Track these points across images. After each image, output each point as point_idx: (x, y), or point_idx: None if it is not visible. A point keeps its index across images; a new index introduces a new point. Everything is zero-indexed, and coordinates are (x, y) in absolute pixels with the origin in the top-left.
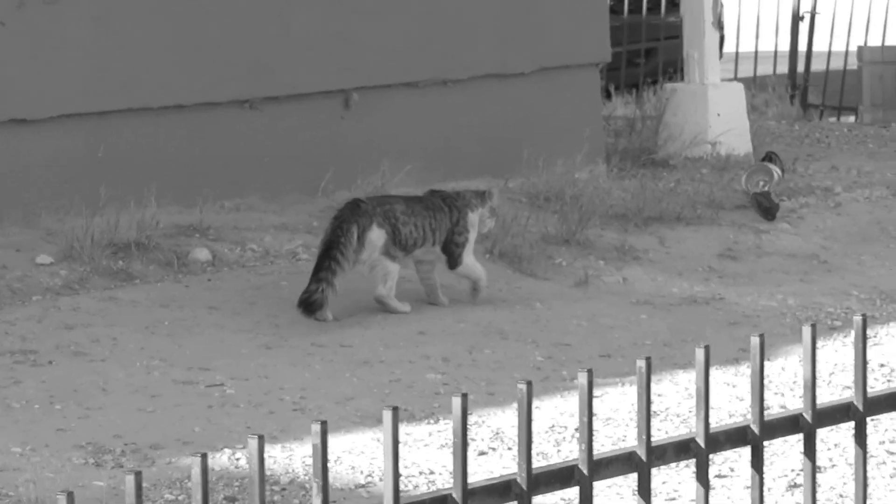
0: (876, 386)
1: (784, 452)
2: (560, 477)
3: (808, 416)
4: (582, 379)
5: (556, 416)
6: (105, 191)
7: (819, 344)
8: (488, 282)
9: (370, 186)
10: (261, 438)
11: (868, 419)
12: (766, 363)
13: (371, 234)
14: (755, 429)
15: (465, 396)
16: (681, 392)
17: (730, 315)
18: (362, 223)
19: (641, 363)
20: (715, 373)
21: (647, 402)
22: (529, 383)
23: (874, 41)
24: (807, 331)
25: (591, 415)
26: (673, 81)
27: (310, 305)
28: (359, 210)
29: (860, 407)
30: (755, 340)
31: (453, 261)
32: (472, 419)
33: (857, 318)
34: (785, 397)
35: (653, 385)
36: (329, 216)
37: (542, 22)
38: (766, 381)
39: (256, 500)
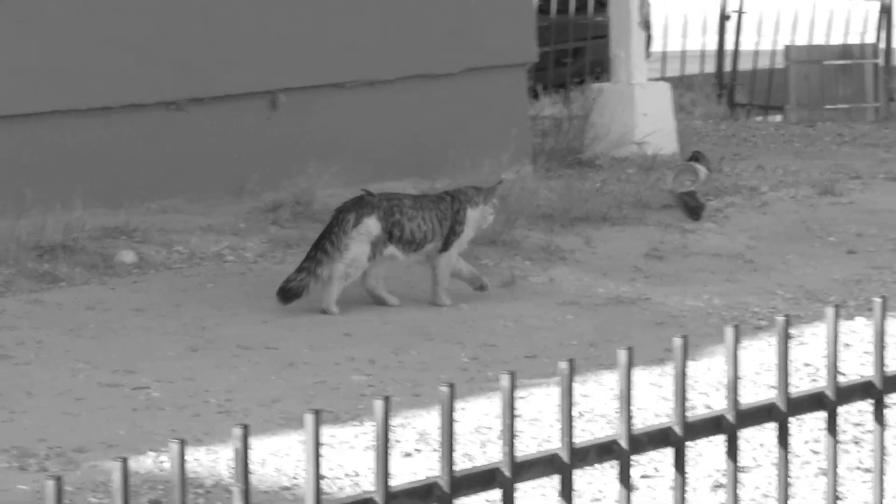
0: (801, 385)
1: (710, 452)
2: (482, 479)
3: (730, 418)
4: (504, 381)
5: (482, 417)
6: (31, 193)
7: (745, 344)
8: (415, 283)
9: (296, 188)
10: (182, 443)
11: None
12: (692, 363)
13: (367, 220)
14: (678, 430)
15: (387, 399)
16: (606, 392)
17: (656, 315)
18: (361, 212)
19: (564, 365)
20: (641, 373)
21: (570, 404)
22: (451, 386)
23: (801, 40)
24: (729, 332)
25: (512, 417)
26: (600, 81)
27: (287, 293)
28: (362, 202)
29: (783, 408)
30: (678, 342)
31: (443, 249)
32: (397, 421)
33: (780, 319)
34: (710, 397)
35: (578, 386)
36: (255, 218)
37: (469, 23)
38: (691, 382)
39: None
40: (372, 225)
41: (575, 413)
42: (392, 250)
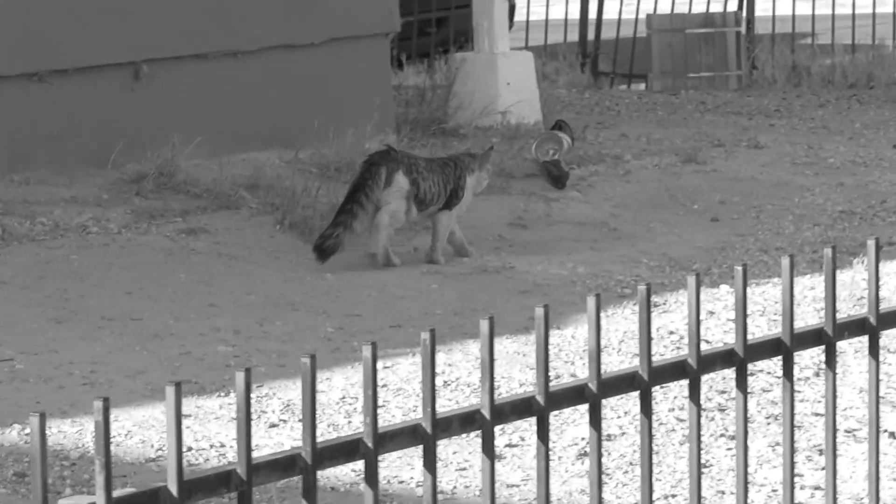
0: (665, 354)
1: (575, 421)
2: (345, 451)
3: (593, 387)
4: (366, 352)
5: (348, 387)
6: None
7: (609, 312)
8: (280, 254)
9: (160, 159)
10: (42, 416)
11: (656, 388)
12: (557, 332)
13: (398, 177)
14: (540, 400)
15: (248, 371)
16: (472, 362)
17: (520, 284)
18: (391, 166)
19: (426, 335)
20: (506, 342)
21: (432, 374)
22: (313, 357)
23: (664, 9)
24: (591, 301)
25: (375, 388)
26: (464, 51)
27: (323, 251)
28: (388, 156)
29: (645, 377)
30: (539, 312)
31: (445, 209)
32: (262, 391)
33: (642, 288)
34: (575, 366)
35: (443, 355)
36: (119, 189)
37: None
38: (556, 350)
39: (38, 478)
40: (402, 181)
41: (440, 382)
42: (412, 206)
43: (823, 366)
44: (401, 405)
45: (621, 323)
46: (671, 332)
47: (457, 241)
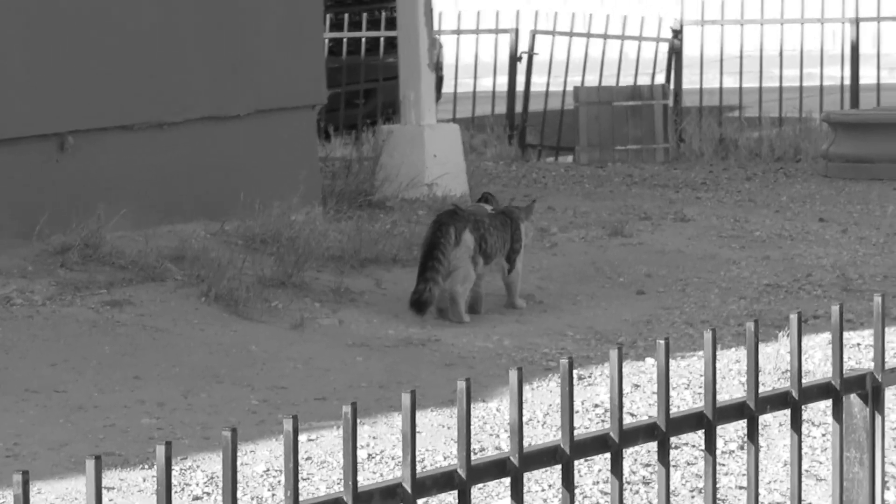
0: (591, 427)
1: (500, 494)
2: None
3: (514, 460)
4: (287, 425)
5: (272, 459)
6: None
7: (534, 385)
8: (205, 325)
9: (85, 230)
10: None
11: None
12: (482, 404)
13: (465, 236)
14: (462, 473)
15: (168, 444)
16: (396, 434)
17: (445, 356)
18: (459, 226)
19: (347, 409)
20: (430, 415)
21: (353, 447)
22: (234, 430)
23: (592, 81)
24: (513, 374)
25: (296, 461)
26: (392, 123)
27: (421, 305)
28: (456, 215)
29: (567, 450)
30: (461, 385)
31: (511, 266)
32: (186, 463)
33: (564, 362)
34: (500, 438)
35: (368, 428)
36: (44, 261)
37: (256, 65)
38: (482, 423)
39: None
40: (469, 239)
41: (365, 455)
42: (479, 260)
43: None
44: (325, 478)
45: (546, 396)
46: (596, 405)
47: (479, 293)
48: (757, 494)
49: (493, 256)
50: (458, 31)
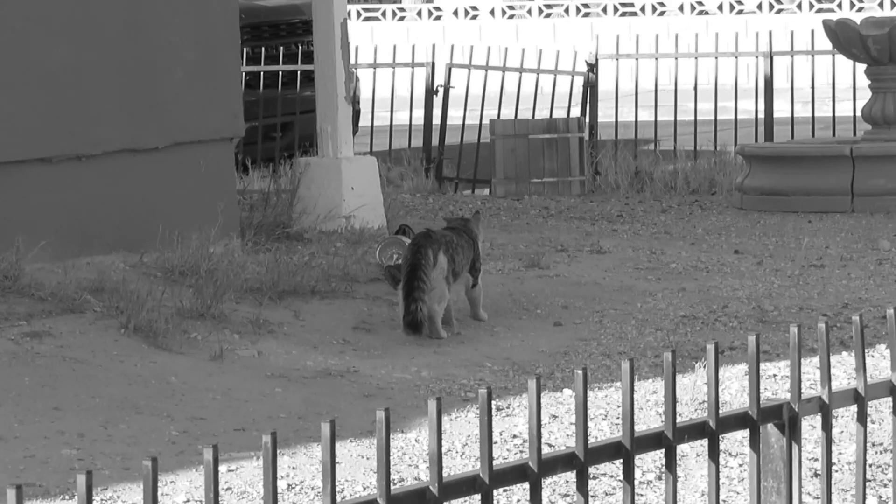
0: (509, 457)
1: None
2: None
3: (434, 490)
4: (207, 455)
5: (192, 490)
6: None
7: (453, 415)
8: (124, 357)
9: (4, 262)
10: None
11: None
12: (402, 435)
13: (440, 258)
14: (381, 503)
15: (89, 474)
16: (316, 465)
17: (364, 387)
18: (434, 248)
19: (267, 439)
20: (350, 445)
21: (274, 475)
22: (154, 460)
23: (508, 114)
24: (432, 404)
25: (216, 491)
26: (309, 155)
27: (417, 325)
28: (430, 238)
29: (486, 480)
30: (380, 415)
31: (475, 281)
32: (107, 494)
33: (482, 392)
34: (419, 469)
35: (288, 458)
36: None
37: (173, 98)
38: (401, 454)
39: None
40: (443, 260)
41: (284, 486)
42: (450, 279)
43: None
44: None
45: (465, 426)
46: (514, 436)
47: (450, 310)
48: None
49: (460, 274)
50: (375, 65)
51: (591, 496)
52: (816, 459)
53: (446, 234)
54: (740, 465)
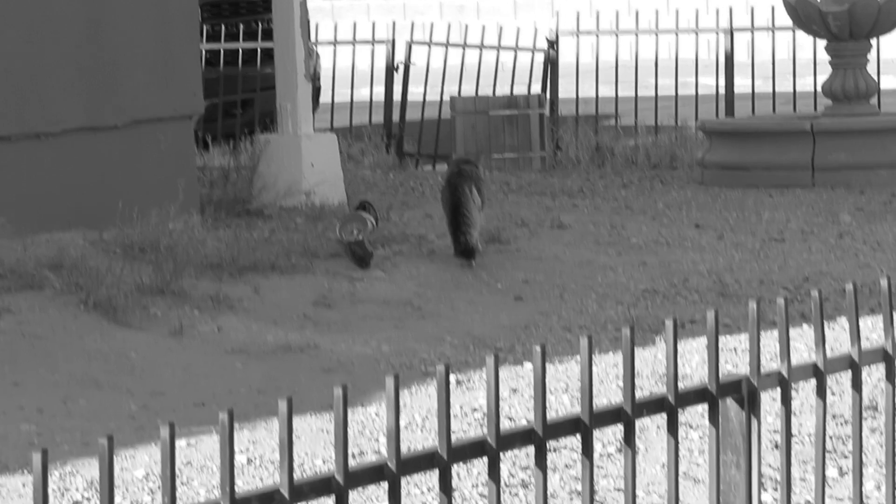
0: (469, 431)
1: (379, 497)
2: None
3: (392, 466)
4: (164, 432)
5: (151, 465)
6: None
7: (413, 390)
8: (84, 333)
9: None
10: None
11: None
12: (361, 409)
13: (474, 193)
14: (339, 479)
15: (45, 452)
16: (275, 439)
17: (325, 362)
18: (469, 185)
19: (224, 416)
20: (310, 419)
21: (231, 452)
22: (111, 438)
23: (469, 91)
24: (389, 381)
25: (173, 468)
26: (269, 132)
27: (470, 251)
28: (462, 176)
29: (444, 455)
30: (337, 392)
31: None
32: (66, 469)
33: (440, 368)
34: (379, 443)
35: (247, 433)
36: None
37: (132, 76)
38: (361, 428)
39: None
40: (476, 195)
41: (244, 460)
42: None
43: None
44: (204, 483)
45: (425, 401)
46: (475, 409)
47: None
48: (634, 497)
49: (483, 204)
50: (335, 42)
51: (551, 469)
52: (777, 431)
53: (473, 171)
54: (700, 438)
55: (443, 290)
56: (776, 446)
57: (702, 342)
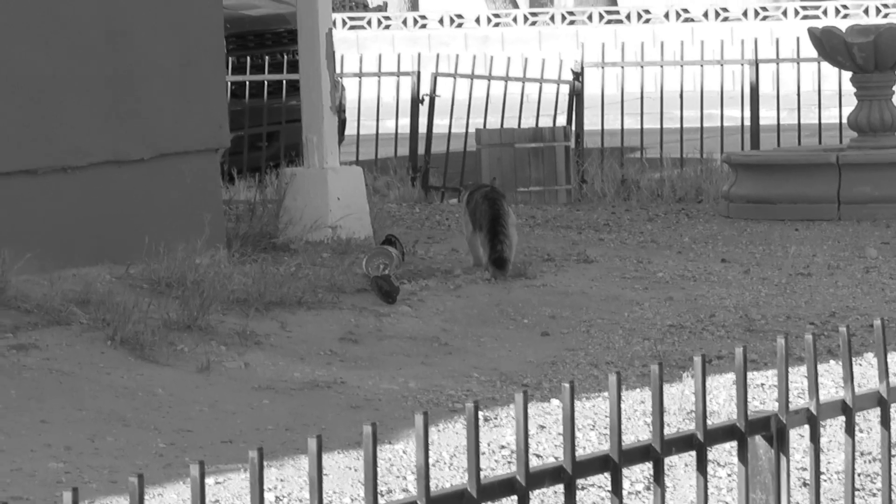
0: (497, 468)
1: None
2: None
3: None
4: (194, 471)
5: (180, 503)
6: None
7: (440, 427)
8: (111, 369)
9: None
10: None
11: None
12: (389, 447)
13: (510, 209)
14: None
15: (75, 491)
16: (304, 477)
17: (351, 399)
18: (505, 202)
19: (254, 454)
20: (337, 457)
21: (261, 490)
22: (141, 476)
23: (494, 123)
24: (419, 418)
25: None
26: (295, 165)
27: (504, 261)
28: (497, 192)
29: (474, 494)
30: (367, 429)
31: None
32: None
33: (469, 406)
34: (407, 480)
35: (275, 470)
36: None
37: (158, 109)
38: (388, 465)
39: None
40: (511, 211)
41: (272, 498)
42: None
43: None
44: None
45: (452, 438)
46: (502, 447)
47: None
48: None
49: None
50: (361, 74)
51: None
52: (805, 469)
53: (502, 191)
54: (729, 476)
55: (469, 326)
56: (804, 484)
57: (729, 378)
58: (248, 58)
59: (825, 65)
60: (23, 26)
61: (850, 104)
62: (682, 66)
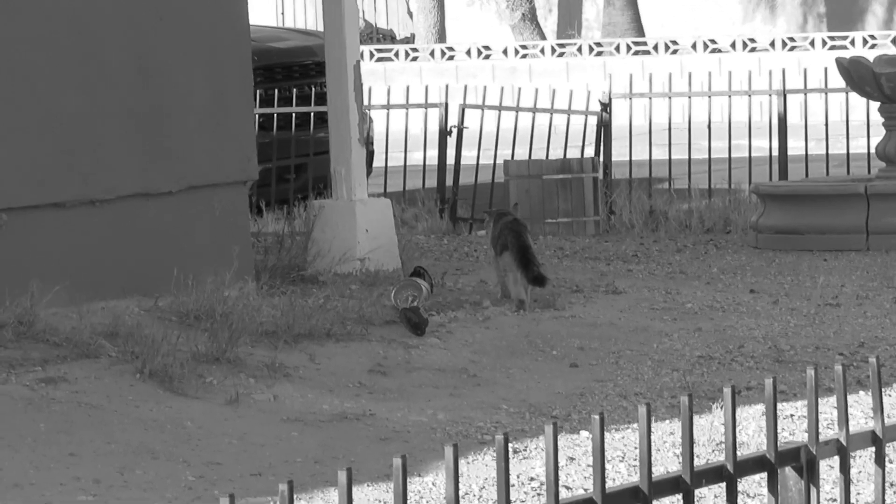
0: (526, 500)
1: None
2: None
3: None
4: (224, 502)
5: None
6: None
7: (469, 458)
8: (140, 402)
9: (19, 308)
10: None
11: None
12: (418, 479)
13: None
14: None
15: None
16: None
17: (380, 431)
18: (528, 230)
19: (283, 487)
20: (367, 489)
21: None
22: None
23: (522, 154)
24: (449, 450)
25: None
26: (323, 197)
27: (542, 279)
28: (519, 223)
29: None
30: (397, 462)
31: None
32: None
33: (499, 438)
34: None
35: (304, 503)
36: None
37: (186, 142)
38: (418, 498)
39: None
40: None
41: None
42: None
43: None
44: None
45: (482, 469)
46: (532, 479)
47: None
48: None
49: None
50: (388, 106)
51: None
52: (835, 500)
53: (524, 221)
54: None
55: (498, 358)
56: None
57: (758, 409)
58: (276, 90)
59: (853, 95)
60: (55, 63)
61: (878, 134)
62: (709, 96)
